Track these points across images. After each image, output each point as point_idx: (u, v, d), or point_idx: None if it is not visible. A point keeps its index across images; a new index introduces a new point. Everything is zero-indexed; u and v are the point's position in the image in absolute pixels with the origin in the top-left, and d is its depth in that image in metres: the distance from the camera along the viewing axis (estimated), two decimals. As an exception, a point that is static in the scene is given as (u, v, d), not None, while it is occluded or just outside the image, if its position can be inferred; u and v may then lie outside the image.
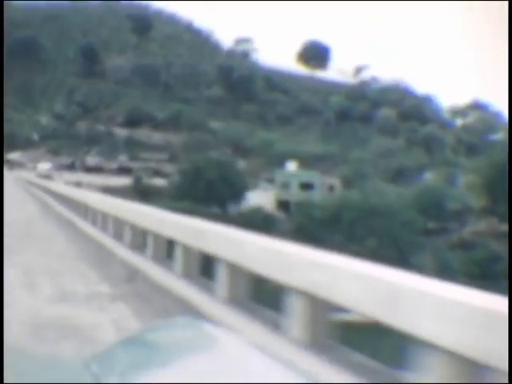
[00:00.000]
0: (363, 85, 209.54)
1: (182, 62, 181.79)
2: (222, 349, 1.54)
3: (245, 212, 78.68)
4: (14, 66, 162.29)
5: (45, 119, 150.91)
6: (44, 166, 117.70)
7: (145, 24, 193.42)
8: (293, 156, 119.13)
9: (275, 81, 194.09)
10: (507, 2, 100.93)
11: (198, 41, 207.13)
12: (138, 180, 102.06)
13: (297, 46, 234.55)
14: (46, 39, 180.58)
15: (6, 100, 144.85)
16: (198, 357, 1.48)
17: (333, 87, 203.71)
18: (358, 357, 4.76)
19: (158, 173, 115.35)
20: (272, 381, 1.42)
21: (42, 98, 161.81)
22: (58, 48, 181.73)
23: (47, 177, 78.64)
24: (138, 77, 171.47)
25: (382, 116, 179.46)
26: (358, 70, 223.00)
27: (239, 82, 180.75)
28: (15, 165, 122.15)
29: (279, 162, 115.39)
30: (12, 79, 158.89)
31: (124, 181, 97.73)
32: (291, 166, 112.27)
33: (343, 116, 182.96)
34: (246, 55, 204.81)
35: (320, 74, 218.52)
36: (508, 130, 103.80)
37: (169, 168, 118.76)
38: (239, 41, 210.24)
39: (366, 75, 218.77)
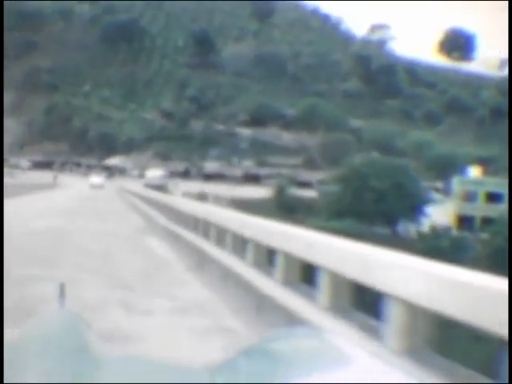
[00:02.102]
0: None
1: (312, 51, 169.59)
2: (347, 359, 1.54)
3: (426, 233, 66.14)
4: (111, 55, 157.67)
5: (151, 117, 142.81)
6: (154, 173, 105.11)
7: (266, 8, 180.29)
8: (454, 160, 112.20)
9: (418, 73, 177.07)
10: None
11: (326, 27, 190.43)
12: (280, 191, 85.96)
13: (436, 35, 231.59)
14: (150, 25, 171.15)
15: (103, 94, 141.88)
16: (323, 367, 1.49)
17: (481, 81, 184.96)
18: (454, 366, 4.89)
19: (292, 181, 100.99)
20: None
21: (146, 92, 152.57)
22: (165, 35, 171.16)
23: (160, 187, 67.69)
24: (261, 68, 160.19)
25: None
26: (504, 63, 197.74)
27: (379, 73, 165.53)
28: (116, 172, 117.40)
29: (442, 167, 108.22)
30: (110, 70, 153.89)
31: (256, 191, 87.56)
32: (473, 171, 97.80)
33: (498, 113, 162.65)
34: (382, 44, 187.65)
35: (464, 65, 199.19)
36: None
37: (306, 175, 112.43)
38: (375, 28, 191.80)
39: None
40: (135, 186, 65.82)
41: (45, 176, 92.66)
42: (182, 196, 51.86)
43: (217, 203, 49.91)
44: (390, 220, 72.57)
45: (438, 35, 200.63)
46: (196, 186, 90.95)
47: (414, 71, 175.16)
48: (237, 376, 1.55)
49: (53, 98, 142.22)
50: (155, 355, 1.67)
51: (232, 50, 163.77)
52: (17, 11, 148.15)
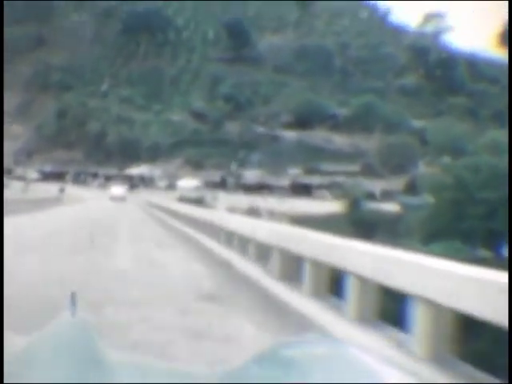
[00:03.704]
0: None
1: (361, 43, 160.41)
2: (359, 366, 1.60)
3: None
4: (132, 49, 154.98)
5: (179, 118, 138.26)
6: (188, 183, 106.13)
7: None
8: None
9: (479, 67, 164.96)
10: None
11: (375, 18, 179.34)
12: (353, 205, 77.57)
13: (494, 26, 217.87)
14: (176, 14, 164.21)
15: (123, 94, 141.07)
16: (334, 374, 1.54)
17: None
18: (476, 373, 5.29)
19: (367, 193, 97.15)
20: None
21: (173, 90, 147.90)
22: (193, 26, 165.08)
23: (197, 201, 64.52)
24: (304, 62, 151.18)
25: None
26: None
27: (437, 68, 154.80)
28: (139, 183, 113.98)
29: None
30: (130, 67, 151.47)
31: (310, 205, 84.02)
32: None
33: None
34: (437, 35, 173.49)
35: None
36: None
37: (366, 184, 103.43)
38: (429, 17, 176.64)
39: None
40: (165, 199, 59.64)
41: (53, 189, 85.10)
42: (228, 212, 44.31)
43: (273, 221, 41.00)
44: (494, 241, 61.20)
45: (496, 27, 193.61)
46: (235, 198, 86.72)
47: (475, 65, 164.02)
48: (246, 380, 1.59)
49: (65, 98, 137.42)
50: (166, 363, 1.80)
51: (270, 43, 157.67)
52: (24, 2, 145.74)
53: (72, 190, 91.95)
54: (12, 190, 74.70)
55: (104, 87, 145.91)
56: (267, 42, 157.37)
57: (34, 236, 22.85)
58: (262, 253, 13.54)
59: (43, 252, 16.78)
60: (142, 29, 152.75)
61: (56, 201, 58.39)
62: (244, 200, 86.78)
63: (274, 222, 33.91)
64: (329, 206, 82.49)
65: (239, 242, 16.00)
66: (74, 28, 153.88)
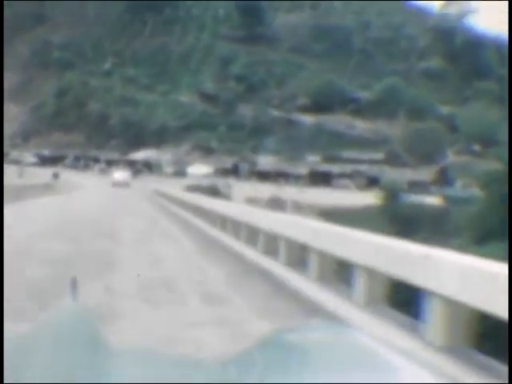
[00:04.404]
0: None
1: (383, 23, 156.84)
2: (359, 350, 1.65)
3: None
4: (137, 26, 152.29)
5: (188, 100, 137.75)
6: (200, 170, 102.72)
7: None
8: None
9: (506, 50, 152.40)
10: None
11: None
12: (390, 197, 69.69)
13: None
14: None
15: (127, 73, 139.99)
16: (336, 359, 1.59)
17: None
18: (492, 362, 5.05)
19: (375, 182, 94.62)
20: (411, 381, 1.54)
21: (181, 69, 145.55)
22: (203, 3, 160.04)
23: (211, 191, 58.81)
24: (321, 42, 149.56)
25: None
26: None
27: (464, 50, 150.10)
28: (143, 169, 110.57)
29: None
30: (135, 44, 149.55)
31: (341, 197, 74.93)
32: None
33: None
34: (461, 17, 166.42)
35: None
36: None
37: (392, 174, 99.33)
38: None
39: None
40: (174, 188, 52.52)
41: (49, 174, 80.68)
42: (247, 203, 46.06)
43: (299, 213, 42.32)
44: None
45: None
46: (250, 187, 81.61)
47: (502, 48, 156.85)
48: (251, 367, 1.62)
49: (65, 77, 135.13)
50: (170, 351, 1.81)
51: (285, 21, 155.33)
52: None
53: (69, 175, 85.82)
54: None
55: (107, 66, 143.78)
56: (282, 21, 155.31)
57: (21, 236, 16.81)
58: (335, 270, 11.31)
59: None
60: (148, 5, 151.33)
61: (45, 188, 49.38)
62: (260, 189, 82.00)
63: (301, 215, 31.00)
64: (360, 197, 77.68)
65: (289, 251, 13.20)
66: (76, 4, 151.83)
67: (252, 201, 56.66)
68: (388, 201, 67.87)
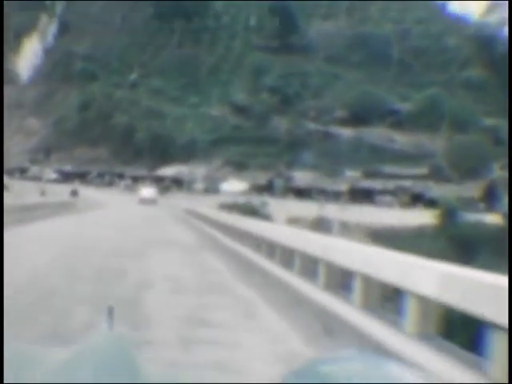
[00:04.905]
0: None
1: (422, 31, 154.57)
2: (394, 382, 1.61)
3: None
4: (165, 35, 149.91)
5: (218, 113, 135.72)
6: (234, 186, 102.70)
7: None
8: None
9: None
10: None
11: (433, 5, 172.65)
12: (447, 215, 67.97)
13: None
14: None
15: (154, 84, 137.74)
16: None
17: None
18: None
19: (418, 198, 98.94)
20: None
21: (211, 81, 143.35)
22: (234, 11, 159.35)
23: (248, 210, 56.02)
24: (358, 51, 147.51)
25: None
26: None
27: (505, 60, 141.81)
28: (172, 185, 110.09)
29: None
30: (163, 55, 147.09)
31: (388, 216, 72.28)
32: None
33: None
34: (502, 25, 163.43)
35: None
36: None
37: (436, 190, 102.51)
38: (493, 6, 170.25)
39: None
40: (206, 206, 48.82)
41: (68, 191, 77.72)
42: (289, 223, 45.11)
43: (347, 235, 38.27)
44: None
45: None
46: (287, 205, 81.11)
47: None
48: None
49: (89, 89, 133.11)
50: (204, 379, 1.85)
51: (320, 30, 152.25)
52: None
53: (92, 192, 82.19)
54: (10, 190, 61.94)
55: (133, 77, 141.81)
56: (317, 29, 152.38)
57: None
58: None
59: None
60: (176, 14, 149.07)
61: (60, 207, 42.72)
62: (299, 207, 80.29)
63: (349, 237, 29.96)
64: (406, 215, 74.64)
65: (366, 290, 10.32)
66: (101, 13, 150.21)
67: (295, 221, 55.37)
68: (445, 220, 64.97)
